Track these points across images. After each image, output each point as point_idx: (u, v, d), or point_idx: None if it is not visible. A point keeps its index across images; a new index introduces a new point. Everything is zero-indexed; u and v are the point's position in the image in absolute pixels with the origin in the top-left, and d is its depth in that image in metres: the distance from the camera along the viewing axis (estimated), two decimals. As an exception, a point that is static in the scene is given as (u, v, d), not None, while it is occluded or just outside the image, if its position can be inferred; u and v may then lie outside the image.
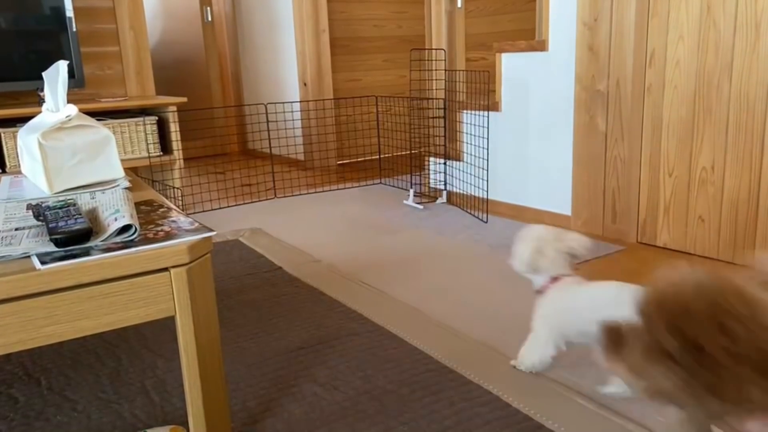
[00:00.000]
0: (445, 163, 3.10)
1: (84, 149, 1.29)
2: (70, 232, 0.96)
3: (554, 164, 2.63)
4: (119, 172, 1.34)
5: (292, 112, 3.86)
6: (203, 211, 3.09)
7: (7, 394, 1.43)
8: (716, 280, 0.70)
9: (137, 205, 1.18)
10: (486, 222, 2.72)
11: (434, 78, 3.06)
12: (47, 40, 2.81)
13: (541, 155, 2.68)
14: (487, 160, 2.76)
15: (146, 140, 2.87)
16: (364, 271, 2.17)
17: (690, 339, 0.67)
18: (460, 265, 2.21)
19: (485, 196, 2.76)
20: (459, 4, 3.05)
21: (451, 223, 2.76)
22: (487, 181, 2.75)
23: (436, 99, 3.06)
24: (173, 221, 1.09)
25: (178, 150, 2.95)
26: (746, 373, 0.65)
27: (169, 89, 4.59)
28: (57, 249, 0.94)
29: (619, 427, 1.22)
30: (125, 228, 1.00)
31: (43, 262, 0.90)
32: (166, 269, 0.97)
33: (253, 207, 3.17)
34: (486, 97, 2.75)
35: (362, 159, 3.89)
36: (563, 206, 2.63)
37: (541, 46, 2.58)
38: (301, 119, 4.05)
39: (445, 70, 3.03)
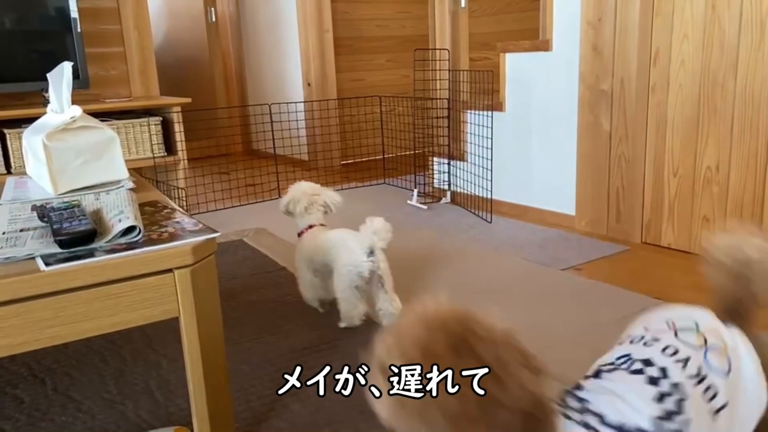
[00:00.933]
0: (449, 163, 3.10)
1: (88, 150, 1.29)
2: (74, 233, 0.96)
3: (558, 164, 2.62)
4: (124, 173, 1.34)
5: (296, 112, 3.86)
6: (207, 212, 3.09)
7: (12, 395, 1.43)
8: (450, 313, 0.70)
9: (141, 205, 1.18)
10: (490, 222, 2.72)
11: (438, 78, 3.06)
12: (52, 41, 2.81)
13: (545, 155, 2.68)
14: (491, 160, 2.75)
15: (150, 141, 2.87)
16: (368, 271, 2.16)
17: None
18: (464, 265, 2.21)
19: (489, 196, 2.76)
20: (462, 4, 3.05)
21: (455, 222, 2.76)
22: (491, 181, 2.75)
23: (439, 99, 3.06)
24: (177, 222, 1.09)
25: (182, 150, 2.95)
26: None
27: (173, 89, 4.59)
28: (61, 250, 0.94)
29: None
30: (129, 229, 1.00)
31: (47, 264, 0.90)
32: (170, 270, 0.97)
33: (257, 207, 3.17)
34: (490, 97, 2.75)
35: (366, 159, 3.89)
36: (567, 206, 2.62)
37: (545, 46, 2.57)
38: (305, 119, 4.05)
39: (449, 70, 3.03)
